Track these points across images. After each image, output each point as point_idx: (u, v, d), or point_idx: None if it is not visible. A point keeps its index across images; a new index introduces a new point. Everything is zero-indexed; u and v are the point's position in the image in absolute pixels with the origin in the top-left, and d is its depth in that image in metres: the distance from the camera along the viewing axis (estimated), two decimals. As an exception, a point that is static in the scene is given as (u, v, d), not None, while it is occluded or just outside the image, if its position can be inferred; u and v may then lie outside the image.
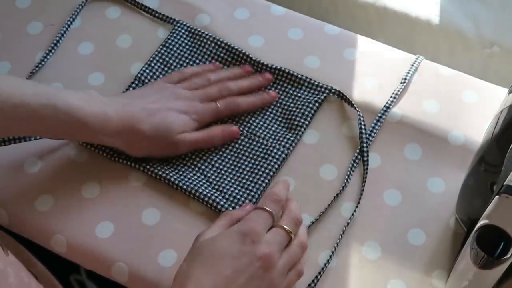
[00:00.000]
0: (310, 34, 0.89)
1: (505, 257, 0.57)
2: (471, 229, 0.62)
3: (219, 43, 0.87)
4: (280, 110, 0.83)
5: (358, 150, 0.79)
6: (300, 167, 0.79)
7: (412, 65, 0.85)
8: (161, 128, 0.76)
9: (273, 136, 0.80)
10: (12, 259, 0.58)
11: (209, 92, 0.81)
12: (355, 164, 0.78)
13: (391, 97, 0.83)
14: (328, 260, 0.73)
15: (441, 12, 0.99)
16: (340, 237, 0.74)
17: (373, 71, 0.86)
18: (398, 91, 0.83)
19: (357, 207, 0.76)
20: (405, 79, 0.84)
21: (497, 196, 0.56)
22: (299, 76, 0.84)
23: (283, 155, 0.79)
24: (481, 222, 0.58)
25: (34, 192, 0.78)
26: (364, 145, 0.79)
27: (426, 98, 0.84)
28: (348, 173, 0.77)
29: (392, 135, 0.81)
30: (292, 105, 0.82)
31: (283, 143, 0.79)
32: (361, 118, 0.80)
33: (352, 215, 0.75)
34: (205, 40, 0.87)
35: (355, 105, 0.81)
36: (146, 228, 0.75)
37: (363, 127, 0.79)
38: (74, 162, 0.80)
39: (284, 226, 0.68)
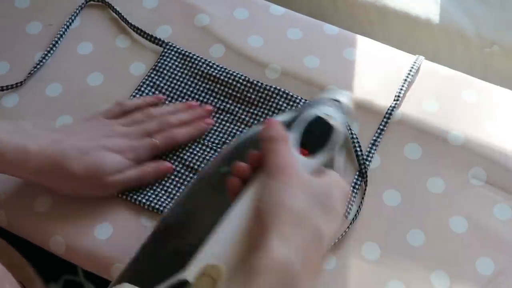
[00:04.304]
0: (309, 34, 0.89)
1: None
2: None
3: (211, 64, 0.85)
4: None
5: (358, 172, 0.78)
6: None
7: (413, 66, 0.85)
8: (92, 169, 0.73)
9: None
10: None
11: (148, 127, 0.78)
12: (355, 190, 0.77)
13: (394, 100, 0.83)
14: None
15: (441, 12, 0.99)
16: (339, 236, 0.74)
17: (372, 71, 0.86)
18: (400, 93, 0.83)
19: (358, 211, 0.76)
20: (406, 80, 0.84)
21: None
22: (295, 96, 0.83)
23: None
24: None
25: (33, 193, 0.78)
26: (363, 166, 0.78)
27: (426, 98, 0.84)
28: (349, 198, 0.77)
29: (392, 135, 0.81)
30: None
31: None
32: (356, 140, 0.79)
33: (355, 216, 0.75)
34: (195, 61, 0.86)
35: (350, 126, 0.80)
36: (144, 230, 0.75)
37: (358, 148, 0.79)
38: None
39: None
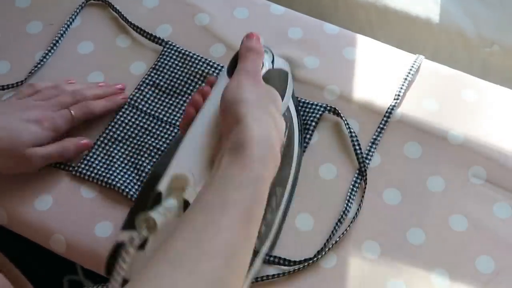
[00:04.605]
0: (309, 34, 0.89)
1: None
2: None
3: (211, 63, 0.86)
4: None
5: (357, 171, 0.78)
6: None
7: (412, 66, 0.85)
8: (7, 140, 0.73)
9: None
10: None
11: (63, 100, 0.79)
12: (355, 189, 0.77)
13: (394, 99, 0.83)
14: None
15: (441, 11, 0.99)
16: (340, 236, 0.74)
17: (372, 70, 0.86)
18: (400, 92, 0.83)
19: (358, 210, 0.76)
20: (406, 79, 0.84)
21: None
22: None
23: None
24: None
25: (33, 191, 0.78)
26: (362, 165, 0.78)
27: (426, 97, 0.84)
28: (348, 197, 0.77)
29: (392, 134, 0.81)
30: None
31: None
32: (355, 139, 0.79)
33: (356, 215, 0.75)
34: (195, 61, 0.86)
35: (349, 125, 0.80)
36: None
37: (357, 147, 0.79)
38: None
39: None
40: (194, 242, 0.51)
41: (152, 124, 0.82)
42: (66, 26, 0.90)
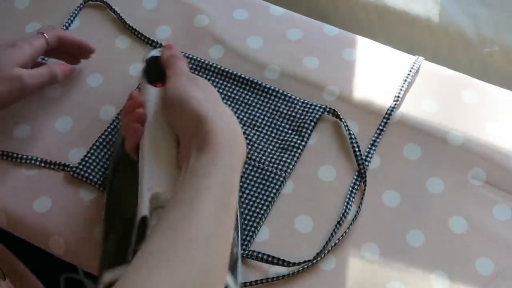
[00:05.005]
0: (309, 35, 0.89)
1: None
2: None
3: (210, 64, 0.85)
4: (274, 131, 0.81)
5: (356, 172, 0.78)
6: (298, 169, 0.79)
7: (412, 67, 0.85)
8: None
9: (268, 159, 0.79)
10: (8, 284, 0.59)
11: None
12: (354, 191, 0.77)
13: (393, 100, 0.83)
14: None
15: (441, 11, 0.99)
16: (339, 238, 0.74)
17: (372, 71, 0.86)
18: (399, 93, 0.83)
19: (358, 212, 0.76)
20: (405, 80, 0.84)
21: None
22: (293, 96, 0.83)
23: (281, 179, 0.77)
24: None
25: (32, 193, 0.78)
26: (361, 167, 0.78)
27: (425, 99, 0.84)
28: (348, 199, 0.76)
29: (391, 135, 0.81)
30: (287, 126, 0.81)
31: (279, 166, 0.78)
32: (354, 140, 0.79)
33: (355, 217, 0.75)
34: (194, 63, 0.86)
35: (348, 127, 0.80)
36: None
37: (356, 149, 0.79)
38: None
39: None
40: (170, 235, 0.53)
41: None
42: (65, 27, 0.90)
